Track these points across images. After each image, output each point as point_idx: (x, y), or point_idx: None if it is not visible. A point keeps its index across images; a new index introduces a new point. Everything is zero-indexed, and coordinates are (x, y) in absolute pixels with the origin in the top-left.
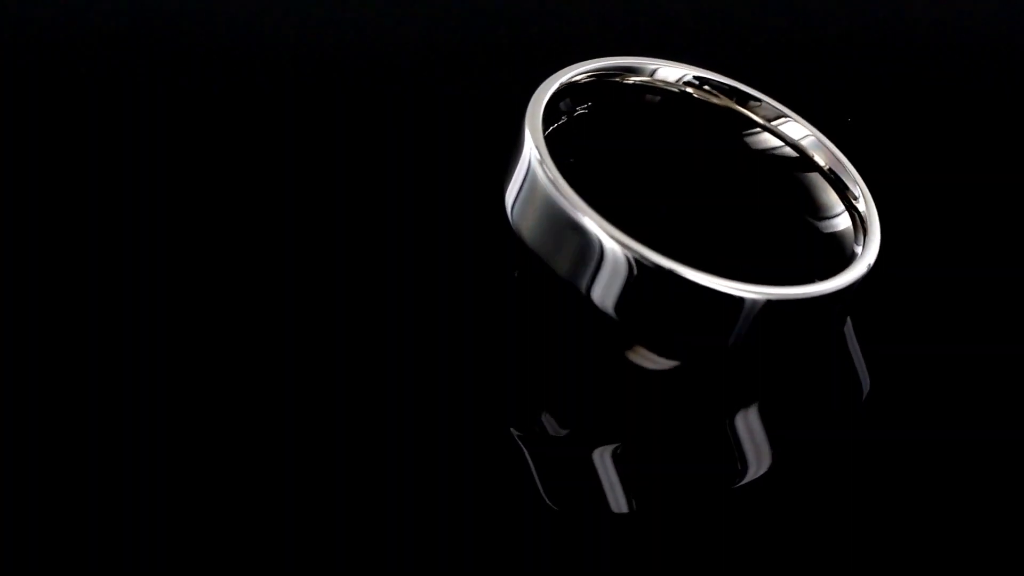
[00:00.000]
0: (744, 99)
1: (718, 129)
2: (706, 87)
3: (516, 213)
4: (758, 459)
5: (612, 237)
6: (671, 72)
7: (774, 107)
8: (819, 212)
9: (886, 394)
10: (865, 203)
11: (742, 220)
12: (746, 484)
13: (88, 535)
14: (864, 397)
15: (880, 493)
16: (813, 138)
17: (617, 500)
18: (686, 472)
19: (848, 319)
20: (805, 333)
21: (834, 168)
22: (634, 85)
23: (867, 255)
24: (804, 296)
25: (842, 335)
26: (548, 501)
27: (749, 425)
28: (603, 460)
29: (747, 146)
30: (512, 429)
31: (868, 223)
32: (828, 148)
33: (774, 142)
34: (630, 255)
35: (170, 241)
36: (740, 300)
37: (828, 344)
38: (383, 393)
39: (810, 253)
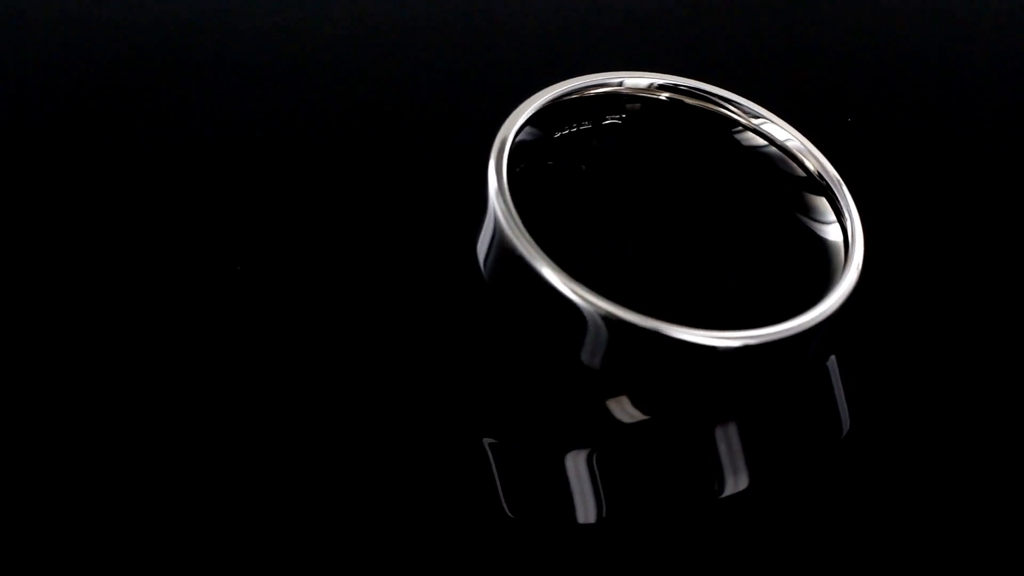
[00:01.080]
0: (719, 101)
1: (705, 130)
2: (678, 92)
3: (488, 271)
4: (735, 477)
5: (583, 298)
6: (639, 81)
7: (753, 108)
8: (811, 213)
9: (866, 434)
10: (851, 220)
11: (736, 217)
12: (722, 500)
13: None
14: (842, 437)
15: (855, 525)
16: (796, 142)
17: (586, 510)
18: (661, 486)
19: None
20: (781, 368)
21: (823, 175)
22: (609, 95)
23: (843, 284)
24: (777, 337)
25: (826, 371)
26: (507, 510)
27: (729, 442)
28: (574, 467)
29: (737, 143)
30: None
31: (852, 245)
32: (813, 153)
33: (759, 141)
34: (600, 314)
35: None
36: (712, 349)
37: (806, 376)
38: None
39: (803, 258)
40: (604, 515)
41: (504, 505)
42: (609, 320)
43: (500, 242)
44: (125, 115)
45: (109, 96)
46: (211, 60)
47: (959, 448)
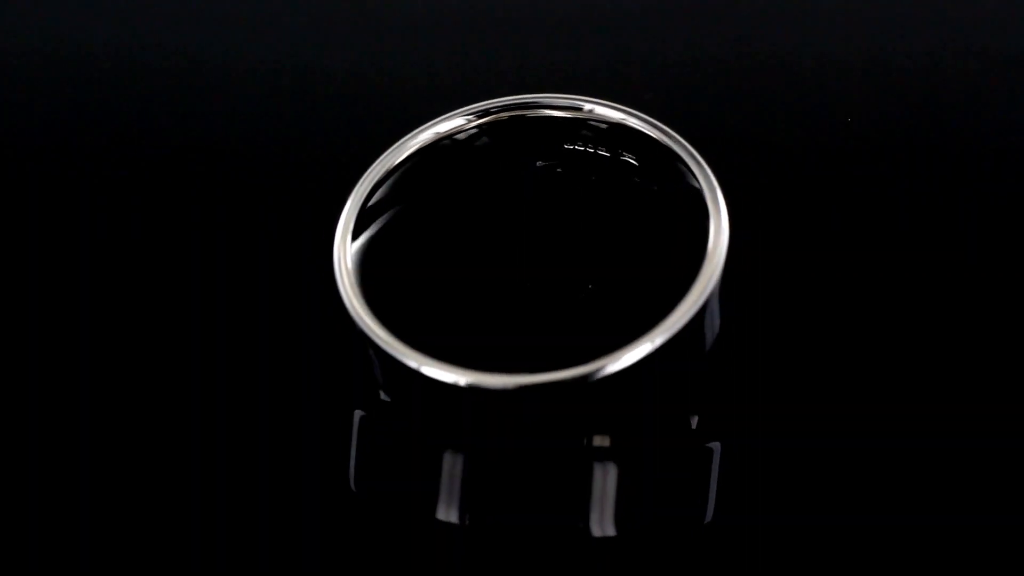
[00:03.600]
0: (528, 106)
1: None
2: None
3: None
4: (602, 520)
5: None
6: (452, 123)
7: (574, 100)
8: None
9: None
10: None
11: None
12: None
13: None
14: (704, 524)
15: None
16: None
17: (448, 509)
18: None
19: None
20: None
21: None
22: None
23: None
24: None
25: (710, 454)
26: (352, 484)
27: (606, 482)
28: (450, 465)
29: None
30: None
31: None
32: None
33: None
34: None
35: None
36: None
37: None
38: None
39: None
40: (465, 520)
41: (351, 480)
42: (377, 349)
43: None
44: None
45: None
46: None
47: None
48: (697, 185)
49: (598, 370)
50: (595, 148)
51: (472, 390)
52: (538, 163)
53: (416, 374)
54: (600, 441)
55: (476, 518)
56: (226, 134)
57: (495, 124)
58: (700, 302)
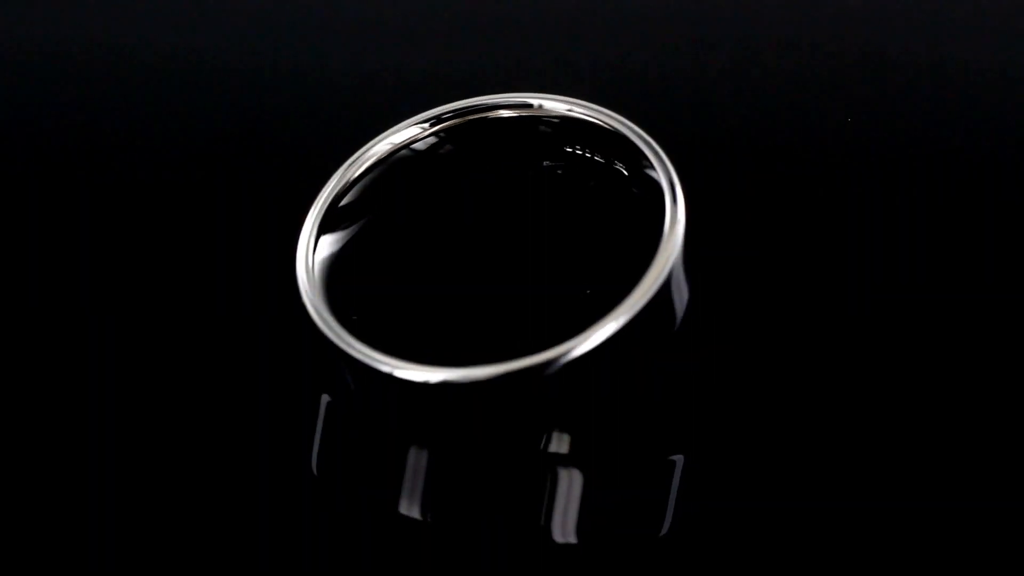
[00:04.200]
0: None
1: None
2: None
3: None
4: (564, 526)
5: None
6: (406, 132)
7: (522, 97)
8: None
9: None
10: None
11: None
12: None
13: None
14: (660, 535)
15: None
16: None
17: (410, 504)
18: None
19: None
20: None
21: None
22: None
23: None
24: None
25: (673, 468)
26: (313, 466)
27: (571, 489)
28: (415, 460)
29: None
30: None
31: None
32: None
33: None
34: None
35: None
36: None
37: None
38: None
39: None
40: (427, 517)
41: (313, 461)
42: (338, 351)
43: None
44: None
45: None
46: None
47: None
48: (651, 167)
49: (565, 353)
50: (584, 150)
51: (436, 387)
52: (545, 163)
53: (390, 378)
54: (558, 445)
55: (438, 515)
56: (188, 136)
57: (453, 130)
58: (662, 278)
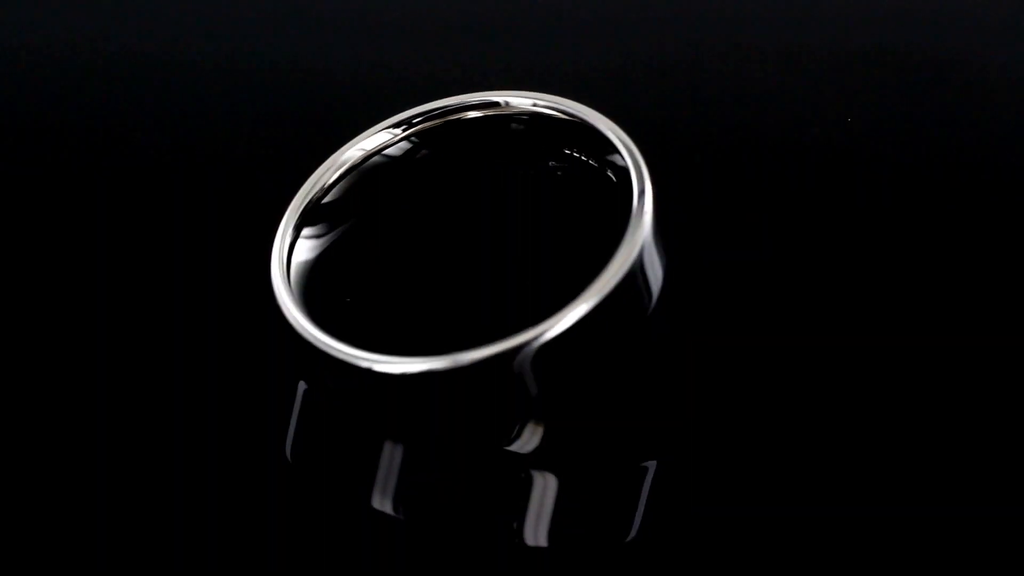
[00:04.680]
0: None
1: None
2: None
3: None
4: (536, 531)
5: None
6: (378, 137)
7: (487, 96)
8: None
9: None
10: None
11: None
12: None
13: None
14: (627, 541)
15: None
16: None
17: (383, 499)
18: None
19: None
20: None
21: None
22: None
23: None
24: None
25: (644, 475)
26: (288, 452)
27: (545, 492)
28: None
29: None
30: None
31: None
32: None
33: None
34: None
35: None
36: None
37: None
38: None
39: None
40: (399, 512)
41: (287, 446)
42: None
43: None
44: None
45: None
46: None
47: None
48: (617, 152)
49: (537, 337)
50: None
51: (413, 377)
52: (551, 163)
53: (368, 372)
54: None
55: (410, 511)
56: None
57: (425, 134)
58: (632, 258)
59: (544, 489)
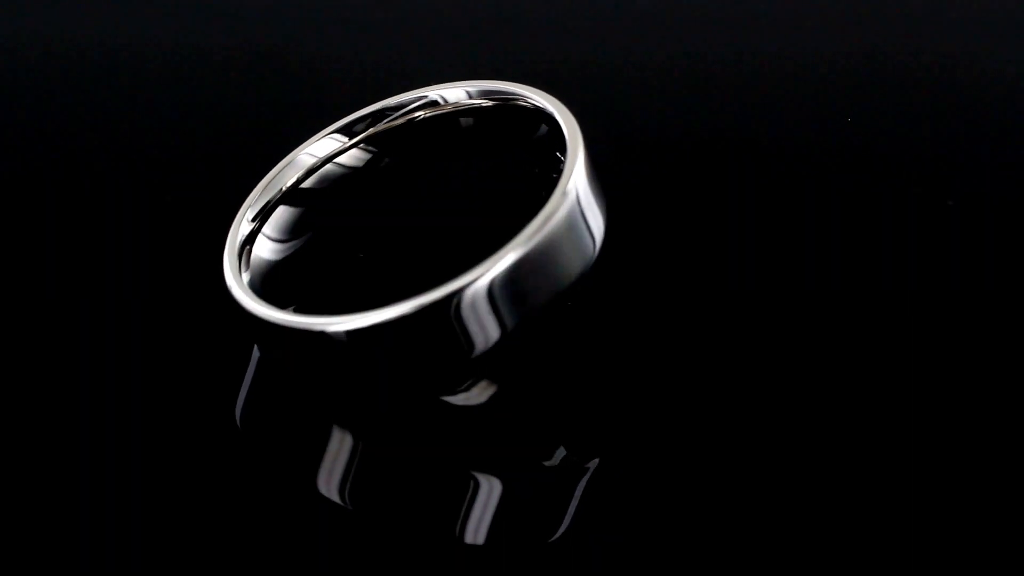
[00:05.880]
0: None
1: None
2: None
3: None
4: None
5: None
6: (323, 144)
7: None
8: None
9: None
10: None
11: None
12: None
13: None
14: (555, 536)
15: None
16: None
17: (329, 485)
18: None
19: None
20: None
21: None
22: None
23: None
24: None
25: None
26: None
27: (490, 494)
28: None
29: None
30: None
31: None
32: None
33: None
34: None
35: None
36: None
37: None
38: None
39: None
40: (345, 499)
41: (237, 411)
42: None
43: None
44: None
45: None
46: None
47: None
48: (553, 118)
49: (471, 282)
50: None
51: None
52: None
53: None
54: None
55: (355, 500)
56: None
57: (375, 140)
58: (565, 206)
59: (490, 493)
